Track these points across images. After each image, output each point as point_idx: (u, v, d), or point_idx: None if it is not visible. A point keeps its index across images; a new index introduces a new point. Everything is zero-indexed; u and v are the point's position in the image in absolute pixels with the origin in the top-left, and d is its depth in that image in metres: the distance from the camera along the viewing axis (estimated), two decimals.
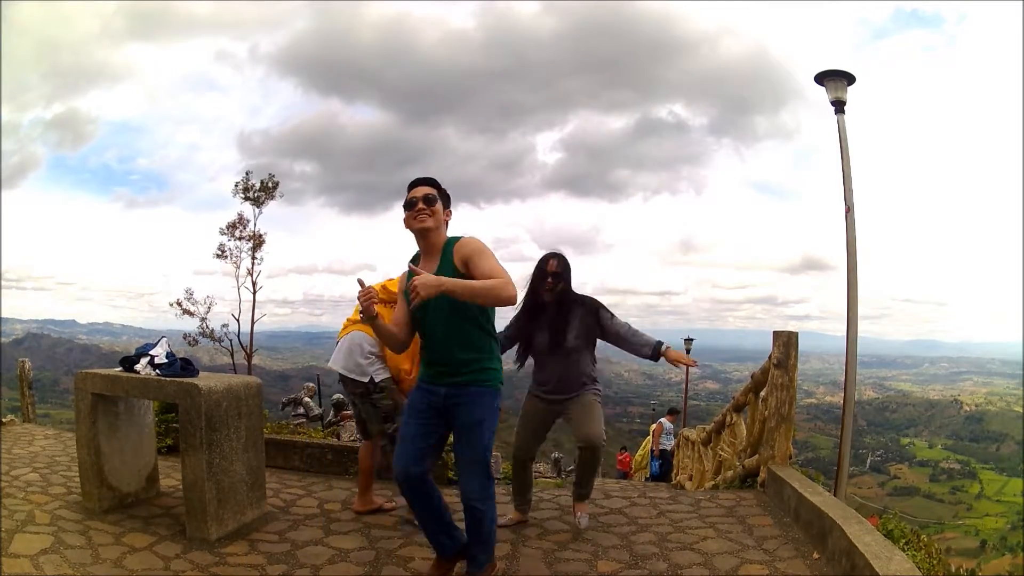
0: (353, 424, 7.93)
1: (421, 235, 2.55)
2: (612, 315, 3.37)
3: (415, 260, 2.59)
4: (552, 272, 3.29)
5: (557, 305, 3.29)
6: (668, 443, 11.08)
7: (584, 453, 3.32)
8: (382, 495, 3.73)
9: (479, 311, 2.48)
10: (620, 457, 15.32)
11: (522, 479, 3.52)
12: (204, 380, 3.13)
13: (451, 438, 2.61)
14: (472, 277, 2.39)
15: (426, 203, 2.52)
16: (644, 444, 12.10)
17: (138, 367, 3.23)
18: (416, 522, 2.74)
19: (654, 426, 11.33)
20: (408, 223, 2.55)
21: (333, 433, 7.57)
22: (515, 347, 3.39)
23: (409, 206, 2.53)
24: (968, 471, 43.74)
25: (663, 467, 11.02)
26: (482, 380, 2.51)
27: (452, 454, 4.26)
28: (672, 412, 12.07)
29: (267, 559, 2.87)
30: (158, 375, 3.19)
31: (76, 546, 2.80)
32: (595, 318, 3.34)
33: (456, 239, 2.53)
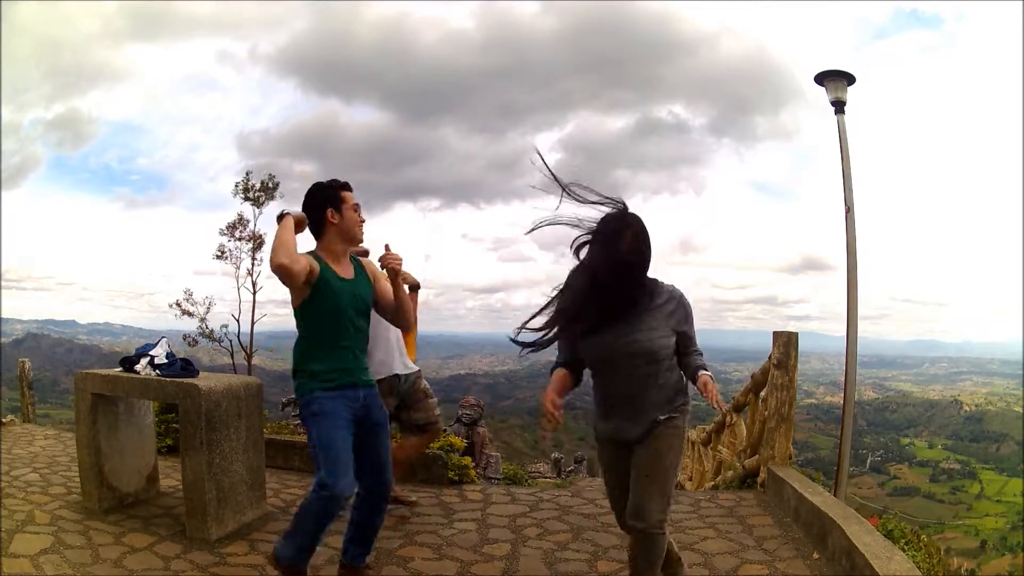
0: None
1: (355, 242, 2.58)
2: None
3: (311, 254, 2.48)
4: (629, 252, 2.13)
5: (633, 283, 2.19)
6: None
7: (635, 542, 2.21)
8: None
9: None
10: None
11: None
12: (204, 380, 3.14)
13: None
14: (378, 294, 2.62)
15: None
16: None
17: (138, 367, 3.23)
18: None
19: None
20: (353, 228, 2.54)
21: None
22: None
23: (358, 210, 2.54)
24: (968, 471, 43.71)
25: None
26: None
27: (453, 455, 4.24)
28: None
29: (267, 559, 2.87)
30: (158, 375, 3.19)
31: (76, 546, 2.81)
32: (684, 315, 2.27)
33: (356, 257, 2.64)
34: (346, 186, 2.56)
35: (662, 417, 2.24)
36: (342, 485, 2.32)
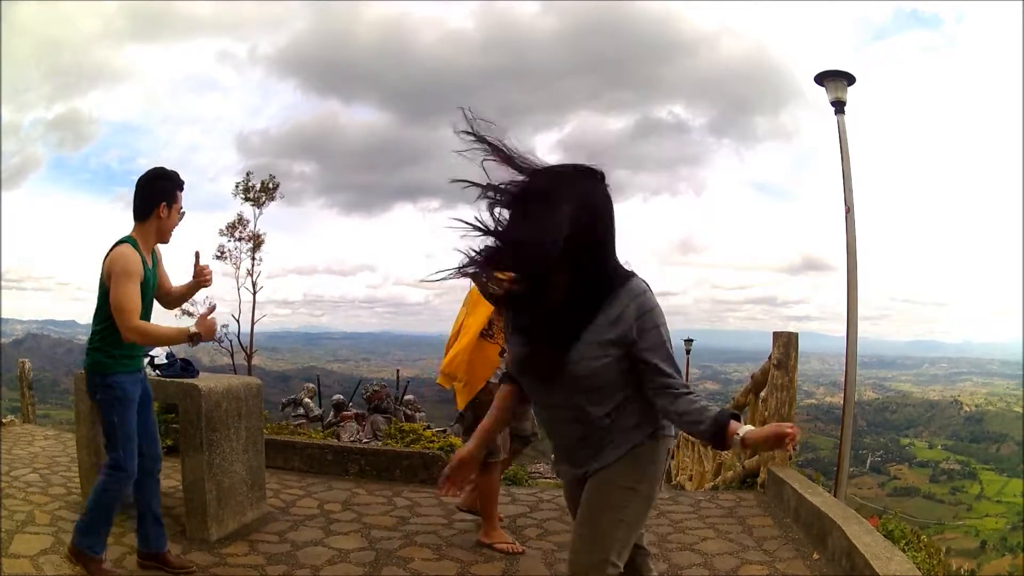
0: (353, 425, 7.95)
1: (164, 242, 2.64)
2: (660, 333, 1.53)
3: (132, 243, 2.51)
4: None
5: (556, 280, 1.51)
6: None
7: None
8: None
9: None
10: None
11: None
12: (204, 381, 3.13)
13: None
14: (160, 278, 2.66)
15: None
16: None
17: None
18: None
19: None
20: (171, 231, 2.61)
21: (333, 434, 7.57)
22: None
23: (182, 216, 2.61)
24: (968, 472, 43.70)
25: None
26: None
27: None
28: None
29: (267, 559, 2.87)
30: (158, 376, 3.19)
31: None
32: (636, 319, 1.51)
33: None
34: (183, 186, 2.61)
35: (641, 440, 1.63)
36: (133, 467, 2.56)
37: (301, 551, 2.99)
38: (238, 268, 15.02)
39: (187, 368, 3.27)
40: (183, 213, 2.62)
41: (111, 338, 2.48)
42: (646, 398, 1.58)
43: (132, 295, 2.41)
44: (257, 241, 15.14)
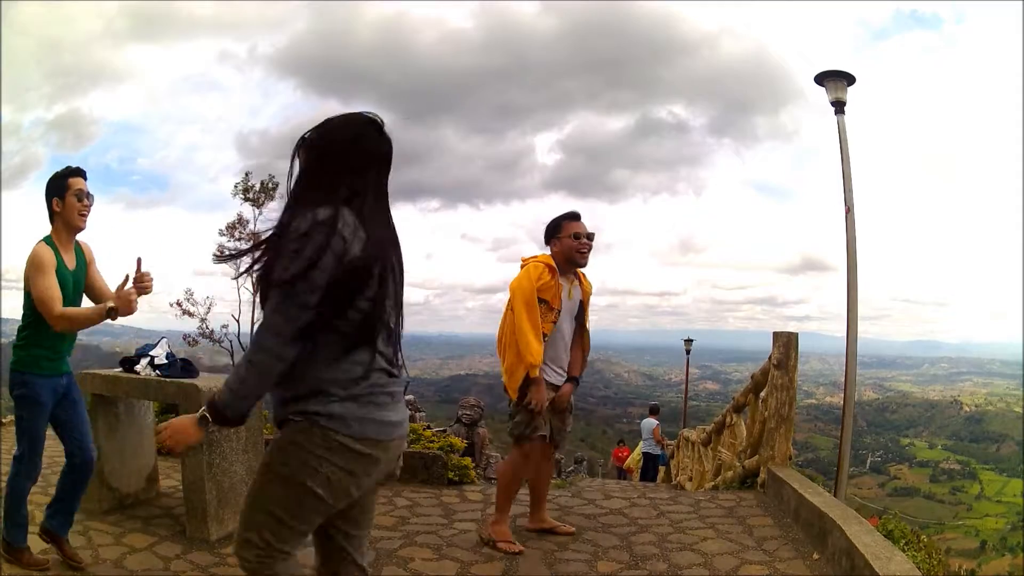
0: None
1: (77, 231, 2.60)
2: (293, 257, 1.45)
3: (48, 240, 2.52)
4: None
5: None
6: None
7: None
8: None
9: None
10: (617, 452, 15.19)
11: None
12: (204, 381, 3.13)
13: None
14: (92, 278, 2.68)
15: (90, 200, 2.59)
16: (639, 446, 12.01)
17: (138, 368, 3.23)
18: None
19: (654, 427, 11.21)
20: (73, 216, 2.54)
21: None
22: None
23: (80, 197, 2.54)
24: (968, 472, 43.74)
25: (652, 469, 10.95)
26: None
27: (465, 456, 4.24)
28: (652, 411, 11.72)
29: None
30: (158, 376, 3.19)
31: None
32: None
33: (77, 242, 2.64)
34: (75, 172, 2.55)
35: (287, 416, 1.54)
36: (36, 464, 2.58)
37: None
38: (238, 268, 15.00)
39: (187, 368, 3.27)
40: (83, 194, 2.54)
41: (33, 338, 2.52)
42: (319, 365, 1.50)
43: (50, 286, 2.43)
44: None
